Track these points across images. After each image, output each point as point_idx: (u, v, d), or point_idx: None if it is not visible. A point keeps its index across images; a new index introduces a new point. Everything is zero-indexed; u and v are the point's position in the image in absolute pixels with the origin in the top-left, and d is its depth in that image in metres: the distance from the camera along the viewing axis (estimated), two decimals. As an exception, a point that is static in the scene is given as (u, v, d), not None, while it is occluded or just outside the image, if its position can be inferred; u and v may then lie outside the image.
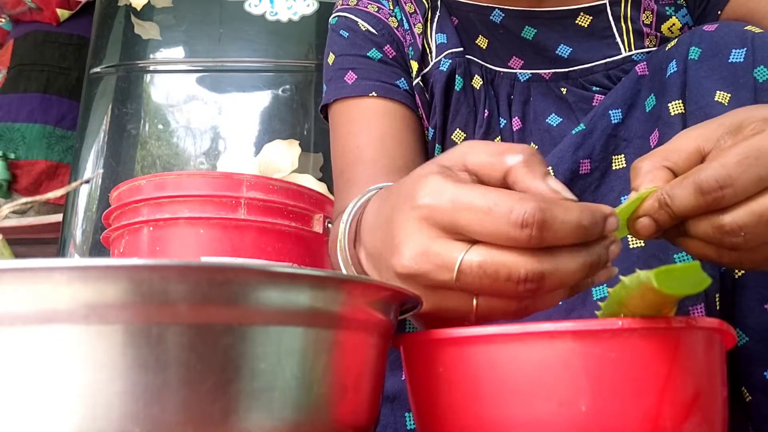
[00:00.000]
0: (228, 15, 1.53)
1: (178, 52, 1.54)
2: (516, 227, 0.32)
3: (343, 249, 0.48)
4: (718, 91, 0.52)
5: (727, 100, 0.52)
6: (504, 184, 0.38)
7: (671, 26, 0.69)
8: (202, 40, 1.52)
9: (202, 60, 1.52)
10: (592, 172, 0.59)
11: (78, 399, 0.23)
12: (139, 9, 1.55)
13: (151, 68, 1.53)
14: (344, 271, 0.49)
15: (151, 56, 1.53)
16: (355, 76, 0.73)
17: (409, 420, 0.58)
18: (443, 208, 0.35)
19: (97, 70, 1.55)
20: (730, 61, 0.53)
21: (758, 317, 0.49)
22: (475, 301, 0.35)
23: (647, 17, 0.69)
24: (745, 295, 0.50)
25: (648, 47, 0.68)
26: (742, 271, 0.50)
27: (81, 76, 1.68)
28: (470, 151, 0.38)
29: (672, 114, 0.55)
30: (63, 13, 2.06)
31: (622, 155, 0.59)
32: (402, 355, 0.38)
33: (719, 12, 0.68)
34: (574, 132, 0.61)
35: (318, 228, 0.73)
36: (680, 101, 0.55)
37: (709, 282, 0.29)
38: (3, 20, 2.14)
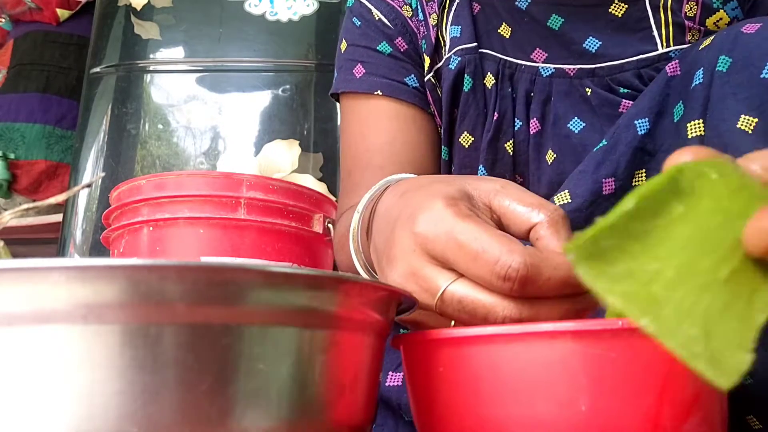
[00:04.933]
0: (228, 15, 1.53)
1: (178, 52, 1.54)
2: (499, 278, 0.33)
3: (356, 238, 0.49)
4: (742, 116, 0.46)
5: (752, 127, 0.46)
6: (525, 236, 0.38)
7: (718, 21, 0.61)
8: (202, 40, 1.52)
9: (202, 60, 1.52)
10: (616, 191, 0.54)
11: (75, 399, 0.23)
12: (139, 9, 1.55)
13: (151, 68, 1.53)
14: (355, 259, 0.49)
15: (151, 56, 1.53)
16: (363, 71, 0.71)
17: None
18: (437, 241, 0.35)
19: (97, 70, 1.55)
20: (762, 76, 0.47)
21: (761, 363, 0.47)
22: (453, 323, 0.36)
23: (691, 9, 0.61)
24: None
25: (689, 44, 0.61)
26: None
27: (81, 76, 1.68)
28: (502, 194, 0.38)
29: (689, 136, 0.50)
30: (63, 13, 2.06)
31: (644, 170, 0.54)
32: (402, 355, 0.38)
33: None
34: (596, 149, 0.56)
35: (318, 228, 0.73)
36: (701, 121, 0.49)
37: None
38: (3, 20, 2.14)
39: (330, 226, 0.71)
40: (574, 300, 0.35)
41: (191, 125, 1.48)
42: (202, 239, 0.67)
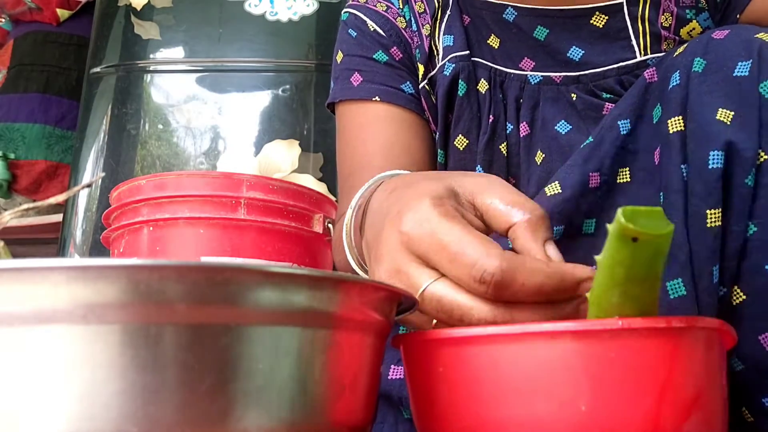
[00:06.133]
0: (228, 15, 1.53)
1: (178, 52, 1.54)
2: (475, 281, 0.34)
3: (349, 234, 0.50)
4: (720, 109, 0.49)
5: (729, 119, 0.49)
6: (505, 234, 0.39)
7: (691, 31, 0.66)
8: (202, 40, 1.52)
9: (202, 60, 1.52)
10: (601, 185, 0.56)
11: (76, 399, 0.23)
12: (139, 9, 1.55)
13: (151, 68, 1.53)
14: (348, 255, 0.50)
15: (151, 56, 1.53)
16: (361, 79, 0.73)
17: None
18: (421, 240, 0.36)
19: (97, 70, 1.55)
20: (734, 75, 0.50)
21: (752, 348, 0.48)
22: (434, 322, 0.37)
23: (666, 20, 0.66)
24: (741, 325, 0.49)
25: (665, 52, 0.64)
26: (741, 299, 0.49)
27: (81, 76, 1.68)
28: (485, 191, 0.40)
29: (671, 131, 0.52)
30: (63, 13, 2.06)
31: (627, 168, 0.57)
32: (402, 355, 0.38)
33: (738, 16, 0.65)
34: (582, 146, 0.59)
35: (318, 228, 0.73)
36: (680, 117, 0.52)
37: (671, 228, 0.29)
38: (3, 20, 2.14)
39: (330, 226, 0.71)
40: (554, 308, 0.35)
41: (191, 125, 1.48)
42: (202, 239, 0.67)
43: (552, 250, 0.38)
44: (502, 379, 0.32)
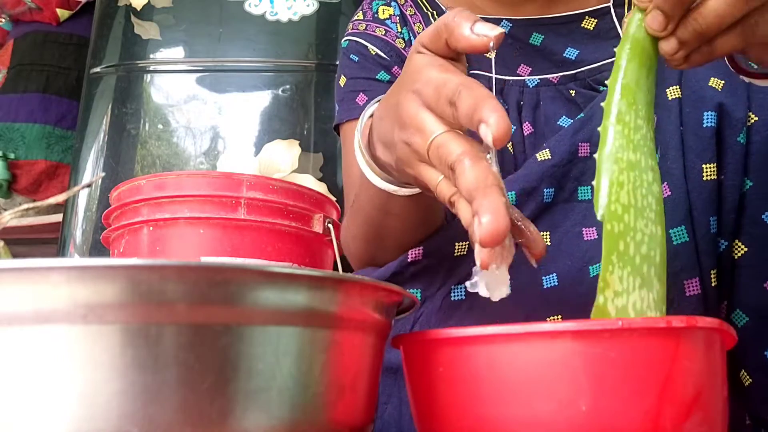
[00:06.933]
0: (228, 15, 1.53)
1: (178, 52, 1.54)
2: (445, 103, 0.38)
3: (363, 153, 0.52)
4: (712, 78, 0.55)
5: (720, 86, 0.54)
6: (449, 49, 0.42)
7: None
8: (202, 40, 1.52)
9: (202, 60, 1.52)
10: (591, 155, 0.59)
11: (76, 399, 0.23)
12: (139, 9, 1.55)
13: (151, 68, 1.53)
14: (368, 174, 0.52)
15: (151, 56, 1.53)
16: (366, 98, 0.76)
17: None
18: (426, 89, 0.40)
19: (97, 70, 1.55)
20: None
21: (758, 296, 0.50)
22: (439, 179, 0.40)
23: None
24: (744, 275, 0.52)
25: None
26: (742, 252, 0.52)
27: (81, 76, 1.68)
28: (422, 34, 0.43)
29: (669, 98, 0.57)
30: (63, 13, 2.06)
31: None
32: (402, 355, 0.38)
33: None
34: (575, 119, 0.62)
35: (318, 228, 0.73)
36: (677, 86, 0.57)
37: None
38: (3, 20, 2.14)
39: (330, 226, 0.71)
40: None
41: (191, 125, 1.48)
42: (202, 239, 0.67)
43: (481, 28, 0.40)
44: (502, 379, 0.32)
